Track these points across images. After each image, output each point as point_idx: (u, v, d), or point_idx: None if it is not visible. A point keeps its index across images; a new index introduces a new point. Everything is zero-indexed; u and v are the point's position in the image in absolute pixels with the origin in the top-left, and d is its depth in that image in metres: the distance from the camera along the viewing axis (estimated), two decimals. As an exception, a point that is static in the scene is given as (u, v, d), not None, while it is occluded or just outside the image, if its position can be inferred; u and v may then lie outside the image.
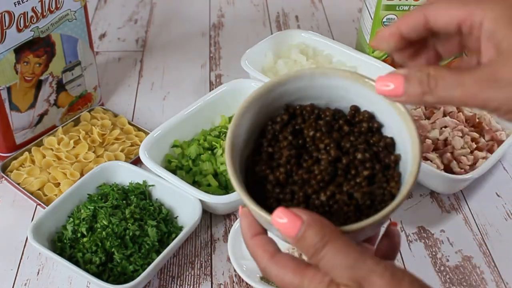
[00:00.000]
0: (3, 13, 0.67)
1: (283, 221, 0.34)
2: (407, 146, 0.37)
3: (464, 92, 0.32)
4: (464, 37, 0.37)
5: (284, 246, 0.66)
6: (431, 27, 0.37)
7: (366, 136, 0.40)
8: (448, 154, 0.75)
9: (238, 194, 0.37)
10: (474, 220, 0.73)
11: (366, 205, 0.37)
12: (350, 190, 0.38)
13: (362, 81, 0.39)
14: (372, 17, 0.89)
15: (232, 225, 0.68)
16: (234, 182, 0.36)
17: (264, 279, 0.63)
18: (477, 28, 0.34)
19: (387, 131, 0.40)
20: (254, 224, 0.38)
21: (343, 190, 0.38)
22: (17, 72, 0.73)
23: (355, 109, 0.41)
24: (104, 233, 0.63)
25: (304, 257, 0.40)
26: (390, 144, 0.40)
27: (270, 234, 0.38)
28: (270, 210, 0.35)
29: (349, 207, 0.37)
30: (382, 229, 0.44)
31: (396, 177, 0.38)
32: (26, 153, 0.77)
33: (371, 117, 0.40)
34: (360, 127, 0.40)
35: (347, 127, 0.40)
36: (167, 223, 0.67)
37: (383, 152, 0.39)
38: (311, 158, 0.39)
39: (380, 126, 0.40)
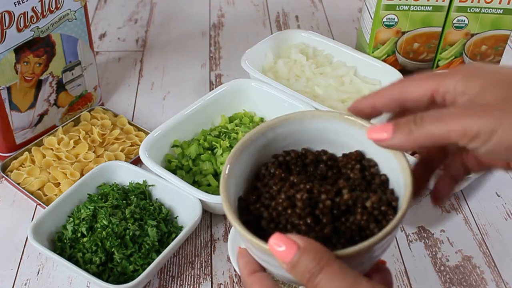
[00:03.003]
0: (3, 13, 0.67)
1: (279, 247, 0.34)
2: (400, 180, 0.39)
3: (447, 122, 0.34)
4: (435, 106, 0.38)
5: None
6: (405, 101, 0.38)
7: (362, 173, 0.41)
8: (448, 154, 0.75)
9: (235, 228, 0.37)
10: (474, 220, 0.73)
11: (360, 235, 0.38)
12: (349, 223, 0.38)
13: (351, 122, 0.41)
14: (372, 17, 0.89)
15: (232, 225, 0.68)
16: (230, 216, 0.37)
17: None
18: (451, 93, 0.36)
19: (380, 168, 0.42)
20: (251, 262, 0.39)
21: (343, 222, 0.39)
22: (17, 72, 0.73)
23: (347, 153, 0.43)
24: (104, 233, 0.63)
25: None
26: (385, 181, 0.41)
27: (268, 272, 0.39)
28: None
29: (344, 237, 0.38)
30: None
31: (391, 211, 0.39)
32: (26, 153, 0.77)
33: (362, 156, 0.41)
34: (351, 167, 0.41)
35: (334, 170, 0.42)
36: (167, 223, 0.67)
37: (380, 188, 0.40)
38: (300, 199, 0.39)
39: (373, 164, 0.42)
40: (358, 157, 0.42)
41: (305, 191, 0.38)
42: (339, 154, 0.43)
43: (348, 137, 0.42)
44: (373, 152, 0.41)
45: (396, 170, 0.39)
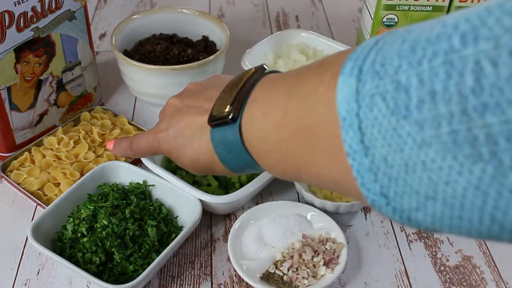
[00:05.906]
0: (3, 13, 0.67)
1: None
2: None
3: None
4: None
5: (281, 247, 0.66)
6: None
7: None
8: (448, 154, 0.75)
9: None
10: (474, 220, 0.73)
11: None
12: None
13: None
14: (372, 17, 0.89)
15: (232, 225, 0.68)
16: None
17: (264, 278, 0.63)
18: None
19: None
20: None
21: None
22: (17, 72, 0.73)
23: None
24: (104, 233, 0.63)
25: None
26: None
27: None
28: None
29: None
30: None
31: None
32: (26, 153, 0.77)
33: None
34: None
35: None
36: (167, 223, 0.67)
37: None
38: None
39: None
40: None
41: None
42: None
43: None
44: None
45: None
